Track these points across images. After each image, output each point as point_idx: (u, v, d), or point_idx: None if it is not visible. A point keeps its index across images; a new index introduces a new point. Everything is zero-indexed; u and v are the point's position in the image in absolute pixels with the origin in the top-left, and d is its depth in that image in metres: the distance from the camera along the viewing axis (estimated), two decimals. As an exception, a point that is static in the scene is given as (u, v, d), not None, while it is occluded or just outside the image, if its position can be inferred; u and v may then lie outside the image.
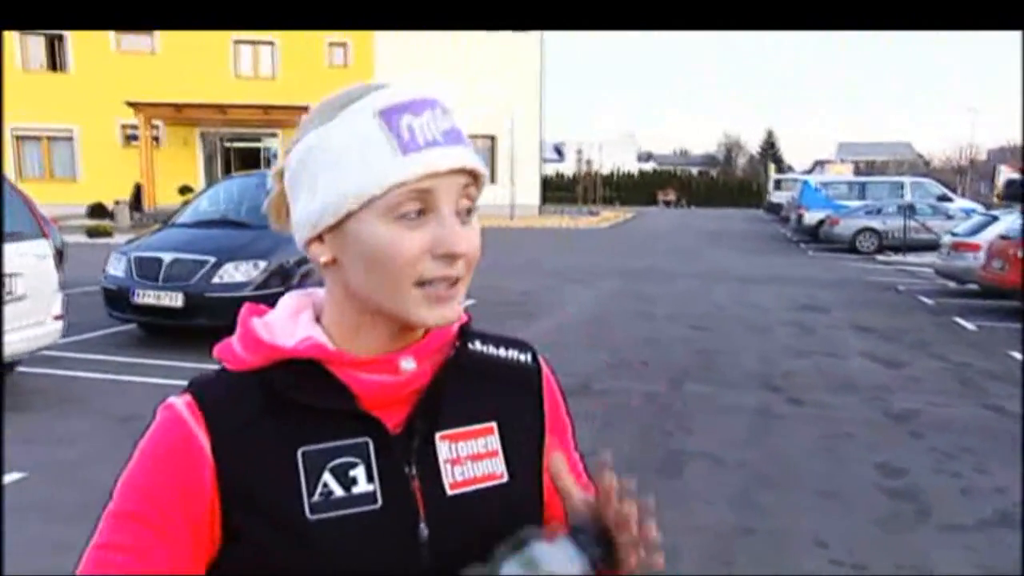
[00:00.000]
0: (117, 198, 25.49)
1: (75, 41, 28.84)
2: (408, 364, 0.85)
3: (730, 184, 62.02)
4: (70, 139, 29.40)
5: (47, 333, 6.31)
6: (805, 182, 26.92)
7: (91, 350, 7.59)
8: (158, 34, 29.00)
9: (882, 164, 55.17)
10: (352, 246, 0.81)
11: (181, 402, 0.83)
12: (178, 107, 26.16)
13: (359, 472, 0.82)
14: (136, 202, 25.67)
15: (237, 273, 7.62)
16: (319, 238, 0.83)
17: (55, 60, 29.36)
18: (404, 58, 29.43)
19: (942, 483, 4.78)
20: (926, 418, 6.05)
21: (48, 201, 21.99)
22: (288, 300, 0.91)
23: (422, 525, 0.83)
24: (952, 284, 13.22)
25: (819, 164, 58.75)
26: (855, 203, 23.19)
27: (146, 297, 7.67)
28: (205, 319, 7.51)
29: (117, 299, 7.91)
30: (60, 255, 11.78)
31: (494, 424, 0.90)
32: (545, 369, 0.99)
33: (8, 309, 5.84)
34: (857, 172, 46.24)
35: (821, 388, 6.88)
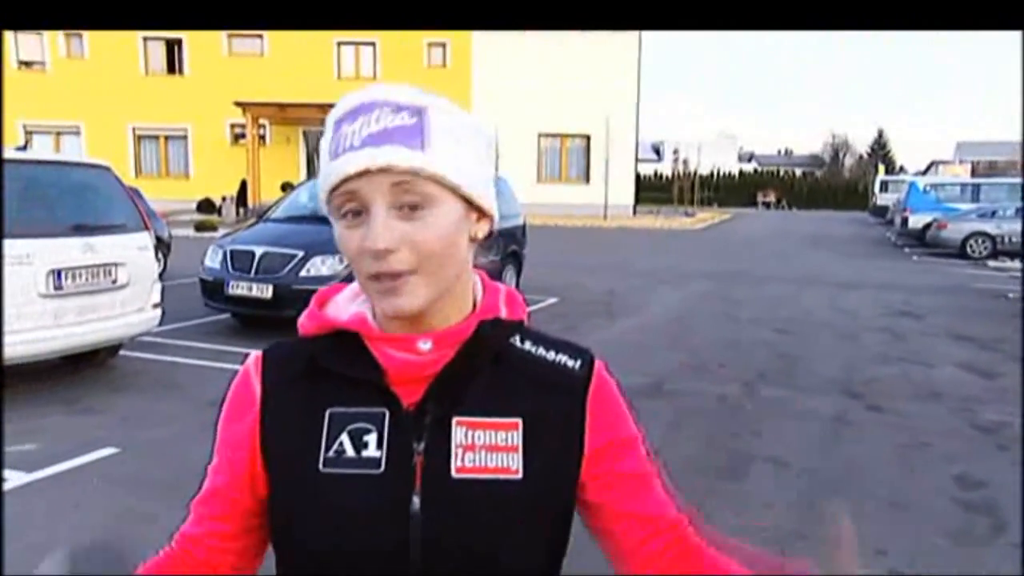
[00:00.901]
0: (224, 194, 26.75)
1: (191, 45, 30.38)
2: (424, 345, 0.91)
3: (835, 185, 59.89)
4: (184, 138, 30.99)
5: (146, 320, 6.73)
6: (912, 183, 25.83)
7: (187, 338, 8.04)
8: (267, 37, 30.23)
9: (1005, 164, 52.14)
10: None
11: (253, 357, 1.00)
12: (282, 107, 27.21)
13: (371, 438, 0.91)
14: (242, 198, 26.83)
15: (323, 267, 7.93)
16: None
17: (172, 63, 30.99)
18: (501, 58, 29.72)
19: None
20: (1014, 431, 5.76)
21: (163, 196, 23.39)
22: (355, 283, 1.00)
23: (415, 498, 0.89)
24: (1067, 293, 12.46)
25: (934, 165, 56.05)
26: (967, 206, 22.12)
27: (239, 288, 8.07)
28: (293, 310, 7.74)
29: (213, 290, 8.35)
30: (168, 247, 12.50)
31: (519, 421, 0.93)
32: (598, 378, 0.99)
33: (110, 297, 6.28)
34: (974, 173, 43.92)
35: (905, 396, 6.64)
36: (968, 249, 19.91)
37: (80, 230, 6.15)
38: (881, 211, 34.42)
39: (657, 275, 14.57)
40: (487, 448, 0.92)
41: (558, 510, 0.95)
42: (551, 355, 0.98)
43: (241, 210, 25.89)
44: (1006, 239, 19.35)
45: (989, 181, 27.26)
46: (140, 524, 3.92)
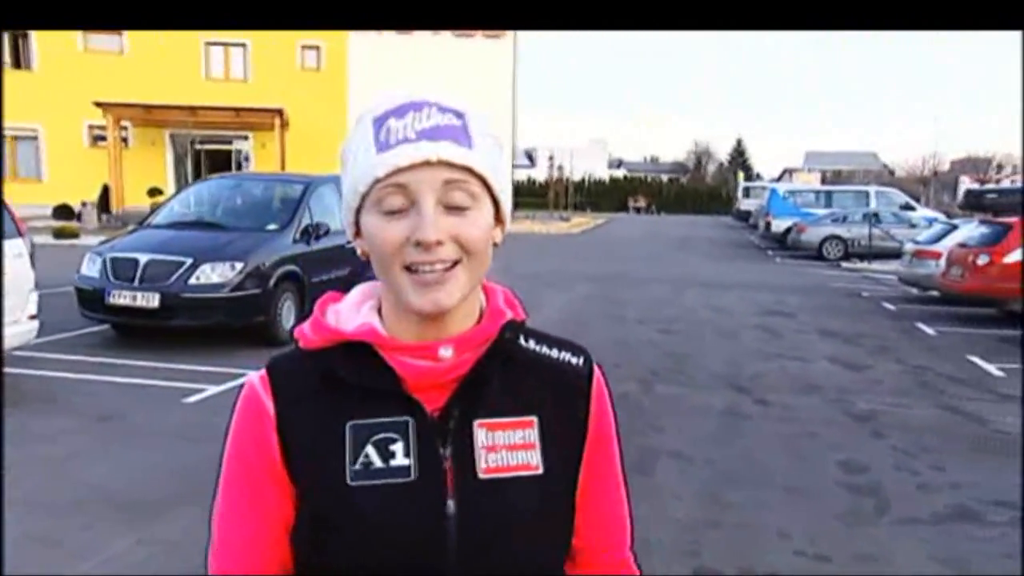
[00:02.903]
0: (84, 199, 25.22)
1: (40, 39, 28.48)
2: (446, 352, 0.92)
3: (700, 191, 62.63)
4: (35, 138, 29.01)
5: (22, 332, 6.30)
6: (773, 190, 27.41)
7: (65, 350, 7.58)
8: (126, 34, 28.73)
9: (848, 173, 56.06)
10: (366, 239, 0.92)
11: (257, 376, 0.97)
12: (148, 108, 25.98)
13: (398, 447, 0.91)
14: (103, 204, 25.40)
15: (214, 274, 7.65)
16: (357, 233, 0.94)
17: (19, 58, 28.97)
18: (377, 61, 29.41)
19: (901, 480, 4.98)
20: (886, 419, 6.26)
21: (12, 201, 21.70)
22: (357, 290, 1.00)
23: (450, 502, 0.90)
24: (914, 290, 13.58)
25: (787, 172, 59.62)
26: (821, 211, 23.68)
27: (121, 298, 7.67)
28: (182, 319, 7.56)
29: (91, 300, 7.91)
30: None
31: (535, 418, 0.95)
32: (598, 376, 1.02)
33: (-16, 308, 5.84)
34: (824, 181, 47.03)
35: (786, 389, 7.09)
36: (824, 251, 21.32)
37: (-53, 238, 5.70)
38: (744, 215, 36.30)
39: (541, 278, 14.81)
40: (508, 448, 0.94)
41: (570, 500, 0.99)
42: (555, 353, 1.01)
43: (103, 216, 24.49)
44: (855, 242, 20.87)
45: (840, 189, 29.29)
46: (43, 549, 3.71)
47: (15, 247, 6.25)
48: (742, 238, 29.99)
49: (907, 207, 23.40)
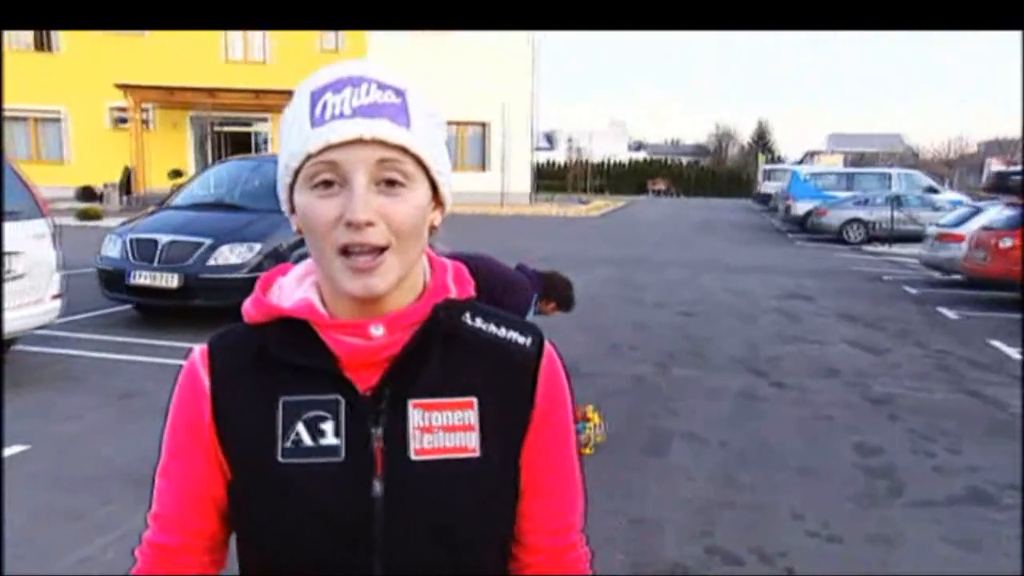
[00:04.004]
0: (106, 181, 25.44)
1: (65, 22, 28.66)
2: (376, 330, 0.91)
3: (721, 174, 62.18)
4: (58, 120, 29.26)
5: (45, 312, 6.41)
6: (794, 172, 27.14)
7: (87, 330, 7.69)
8: (149, 16, 28.81)
9: (872, 156, 55.35)
10: (299, 216, 0.90)
11: (198, 351, 0.99)
12: (169, 90, 26.08)
13: (328, 426, 0.90)
14: (126, 185, 25.62)
15: (232, 255, 7.73)
16: (292, 210, 0.92)
17: (42, 40, 29.18)
18: (398, 43, 29.36)
19: (916, 462, 4.96)
20: (904, 402, 6.23)
21: (36, 183, 21.98)
22: (302, 264, 0.99)
23: (376, 483, 0.90)
24: (937, 274, 13.44)
25: (810, 155, 58.96)
26: (843, 194, 23.41)
27: (142, 278, 7.77)
28: (201, 300, 7.63)
29: (113, 280, 8.01)
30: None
31: (475, 399, 0.93)
32: (548, 357, 0.99)
33: (7, 287, 5.94)
34: (847, 163, 46.47)
35: (804, 373, 7.06)
36: (845, 235, 21.11)
37: (-30, 218, 5.78)
38: (765, 198, 35.99)
39: (558, 261, 14.67)
40: (444, 428, 0.92)
41: (512, 483, 0.97)
42: (502, 332, 0.98)
43: (125, 198, 24.72)
44: (877, 225, 20.64)
45: (862, 171, 28.93)
46: (64, 521, 3.78)
47: (38, 227, 6.34)
48: (763, 221, 29.77)
49: (931, 190, 23.12)
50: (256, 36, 30.09)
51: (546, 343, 1.01)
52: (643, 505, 4.18)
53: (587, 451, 4.82)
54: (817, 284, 12.86)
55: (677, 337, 8.43)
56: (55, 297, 6.49)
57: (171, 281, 7.67)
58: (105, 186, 25.22)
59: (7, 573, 2.95)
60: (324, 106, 0.86)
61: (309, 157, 0.86)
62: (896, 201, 20.61)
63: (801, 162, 52.72)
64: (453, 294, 0.96)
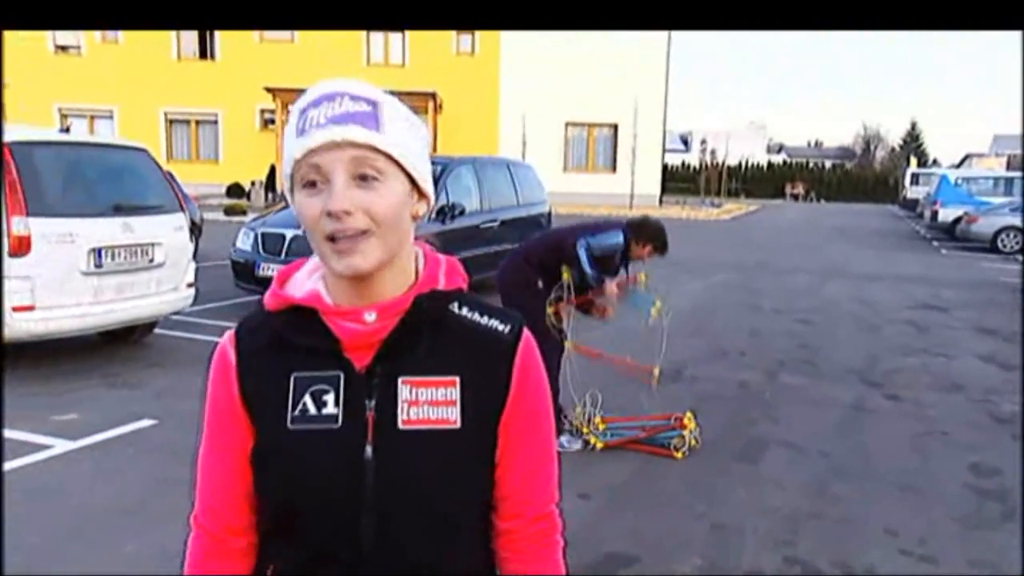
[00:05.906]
0: (253, 179, 27.07)
1: (222, 31, 30.67)
2: (370, 316, 1.06)
3: (865, 178, 59.11)
4: (215, 122, 31.33)
5: (181, 299, 6.94)
6: (943, 176, 25.46)
7: (219, 317, 8.25)
8: (297, 23, 30.40)
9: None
10: (296, 212, 1.05)
11: (228, 333, 1.16)
12: (312, 93, 27.35)
13: (330, 398, 1.06)
14: (270, 183, 27.11)
15: (351, 250, 8.08)
16: None
17: (204, 49, 31.33)
18: (530, 46, 29.67)
19: (1036, 486, 4.63)
20: (1033, 422, 5.81)
21: (193, 180, 23.67)
22: (310, 261, 1.15)
23: (368, 447, 1.04)
24: (1095, 288, 12.36)
25: (969, 158, 55.18)
26: (999, 199, 21.82)
27: (270, 270, 8.25)
28: (321, 292, 8.01)
29: (244, 271, 8.56)
30: (199, 230, 12.74)
31: (457, 378, 1.07)
32: (525, 343, 1.13)
33: (147, 275, 6.49)
34: (1010, 167, 43.17)
35: (924, 386, 6.69)
36: (999, 243, 19.64)
37: (119, 210, 6.35)
38: (911, 204, 34.02)
39: (681, 265, 14.55)
40: (429, 403, 1.06)
41: (489, 453, 1.10)
42: (485, 320, 1.12)
43: (269, 195, 26.17)
44: (1037, 234, 19.11)
45: (1021, 175, 26.84)
46: (176, 490, 4.11)
47: (176, 220, 6.87)
48: (906, 228, 28.17)
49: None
50: (396, 40, 31.18)
51: (524, 331, 1.13)
52: (727, 511, 4.11)
53: (679, 455, 4.79)
54: (956, 295, 12.10)
55: (791, 345, 8.16)
56: (189, 285, 7.01)
57: (295, 273, 8.10)
58: (252, 183, 26.81)
59: (6, 574, 3.22)
60: (306, 119, 1.01)
61: (297, 162, 1.02)
62: (1060, 208, 19.01)
63: (959, 166, 49.46)
64: (441, 286, 1.10)
